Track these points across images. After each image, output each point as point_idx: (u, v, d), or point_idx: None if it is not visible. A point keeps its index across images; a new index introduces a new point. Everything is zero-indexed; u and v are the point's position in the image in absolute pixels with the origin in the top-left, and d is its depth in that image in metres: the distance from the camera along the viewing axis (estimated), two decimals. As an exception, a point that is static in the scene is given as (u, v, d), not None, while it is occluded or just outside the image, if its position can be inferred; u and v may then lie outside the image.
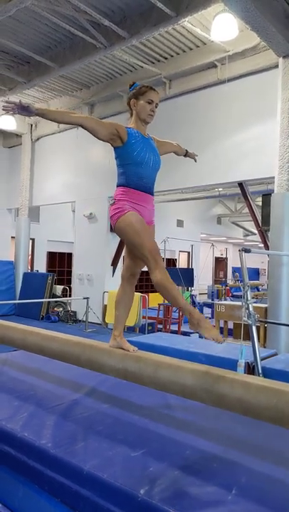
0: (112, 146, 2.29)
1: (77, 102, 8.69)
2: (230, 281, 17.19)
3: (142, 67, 7.26)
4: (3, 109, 2.08)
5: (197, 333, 2.85)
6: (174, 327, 8.07)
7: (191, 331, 8.05)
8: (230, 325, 6.51)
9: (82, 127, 2.17)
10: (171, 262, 13.58)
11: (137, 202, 2.23)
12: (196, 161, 2.92)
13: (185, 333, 7.38)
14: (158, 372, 2.01)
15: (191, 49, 6.82)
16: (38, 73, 7.33)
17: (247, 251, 3.58)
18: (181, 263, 15.47)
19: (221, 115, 6.94)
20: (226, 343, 5.26)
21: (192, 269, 9.58)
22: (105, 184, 8.44)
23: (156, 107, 2.36)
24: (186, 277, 8.76)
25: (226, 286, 15.40)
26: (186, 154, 2.84)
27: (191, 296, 10.07)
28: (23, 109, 1.99)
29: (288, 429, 1.66)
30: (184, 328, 8.09)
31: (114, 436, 2.00)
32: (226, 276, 20.31)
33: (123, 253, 2.50)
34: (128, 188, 2.24)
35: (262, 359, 3.60)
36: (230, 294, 14.46)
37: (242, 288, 3.59)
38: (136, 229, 2.15)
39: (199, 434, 2.08)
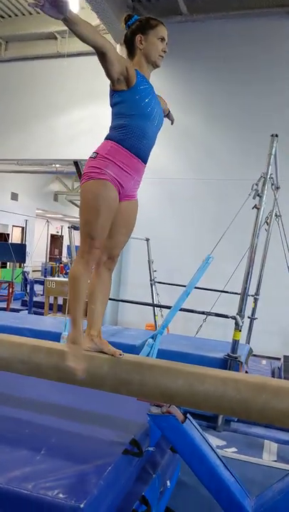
0: (112, 88, 1.80)
1: None
2: (64, 259, 17.37)
3: (-26, 19, 6.58)
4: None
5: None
6: (3, 304, 7.78)
7: (22, 308, 7.90)
8: (60, 301, 6.64)
9: (102, 55, 1.65)
10: (3, 237, 12.90)
11: (123, 167, 1.76)
12: (172, 123, 2.37)
13: (14, 310, 7.21)
14: (-27, 348, 1.95)
15: (31, 14, 6.49)
16: None
17: (76, 228, 3.71)
18: (15, 238, 14.86)
19: (59, 90, 6.85)
20: (54, 318, 5.38)
21: (25, 245, 9.33)
22: None
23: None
24: (17, 253, 8.50)
25: (61, 263, 15.53)
26: (168, 114, 2.27)
27: (24, 272, 9.81)
28: (54, 5, 1.39)
29: (97, 389, 1.84)
30: (14, 305, 7.88)
31: None
32: (61, 253, 20.41)
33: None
34: (119, 146, 1.76)
35: (85, 331, 3.81)
36: (64, 272, 14.64)
37: (69, 265, 3.71)
38: (98, 205, 1.72)
39: (14, 405, 2.11)
